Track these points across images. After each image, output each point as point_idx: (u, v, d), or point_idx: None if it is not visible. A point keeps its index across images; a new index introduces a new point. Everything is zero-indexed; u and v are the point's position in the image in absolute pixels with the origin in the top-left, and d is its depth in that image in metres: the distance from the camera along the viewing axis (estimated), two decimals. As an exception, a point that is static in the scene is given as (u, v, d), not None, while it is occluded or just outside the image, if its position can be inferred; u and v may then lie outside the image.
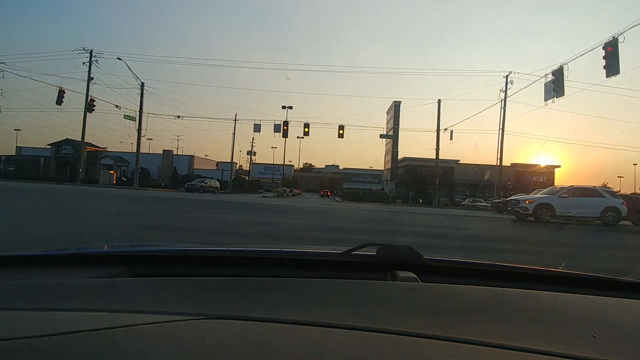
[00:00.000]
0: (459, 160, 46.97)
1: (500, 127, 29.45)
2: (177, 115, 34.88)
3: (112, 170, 44.74)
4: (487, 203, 32.56)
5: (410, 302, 0.82)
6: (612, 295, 0.98)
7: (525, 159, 49.95)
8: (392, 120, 49.07)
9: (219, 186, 34.17)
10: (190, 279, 0.92)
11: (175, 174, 49.07)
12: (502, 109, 29.39)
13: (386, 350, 0.56)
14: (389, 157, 51.94)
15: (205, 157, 66.98)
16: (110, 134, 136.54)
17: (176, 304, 0.71)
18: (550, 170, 47.93)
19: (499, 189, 30.60)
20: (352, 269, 1.07)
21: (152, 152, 53.62)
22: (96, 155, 48.52)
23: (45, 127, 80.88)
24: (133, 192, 23.47)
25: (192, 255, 1.18)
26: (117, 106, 31.59)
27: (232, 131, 45.36)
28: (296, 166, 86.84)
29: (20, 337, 0.54)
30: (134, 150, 34.00)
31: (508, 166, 47.86)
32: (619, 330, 0.73)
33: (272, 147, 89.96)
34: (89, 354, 0.52)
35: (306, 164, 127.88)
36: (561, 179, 47.77)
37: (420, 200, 31.16)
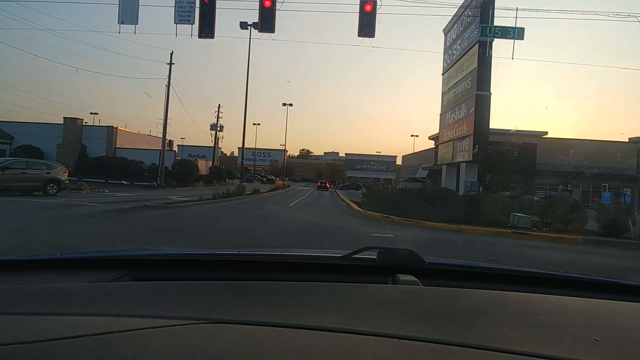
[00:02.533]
0: (546, 133, 28.18)
1: None
2: None
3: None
4: None
5: (412, 305, 0.82)
6: (614, 299, 0.97)
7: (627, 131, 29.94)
8: (472, 29, 19.59)
9: (61, 178, 13.54)
10: (190, 282, 0.91)
11: (83, 154, 30.62)
12: None
13: (387, 355, 0.56)
14: (464, 110, 20.46)
15: (179, 140, 46.17)
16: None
17: (176, 308, 0.71)
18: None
19: None
20: (353, 272, 1.07)
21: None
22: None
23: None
24: None
25: (192, 259, 1.17)
26: None
27: (167, 80, 26.56)
28: (282, 146, 67.55)
29: (21, 342, 0.54)
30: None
31: (620, 142, 29.47)
32: (621, 333, 0.73)
33: (254, 124, 70.06)
34: (88, 358, 0.51)
35: (303, 150, 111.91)
36: None
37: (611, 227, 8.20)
